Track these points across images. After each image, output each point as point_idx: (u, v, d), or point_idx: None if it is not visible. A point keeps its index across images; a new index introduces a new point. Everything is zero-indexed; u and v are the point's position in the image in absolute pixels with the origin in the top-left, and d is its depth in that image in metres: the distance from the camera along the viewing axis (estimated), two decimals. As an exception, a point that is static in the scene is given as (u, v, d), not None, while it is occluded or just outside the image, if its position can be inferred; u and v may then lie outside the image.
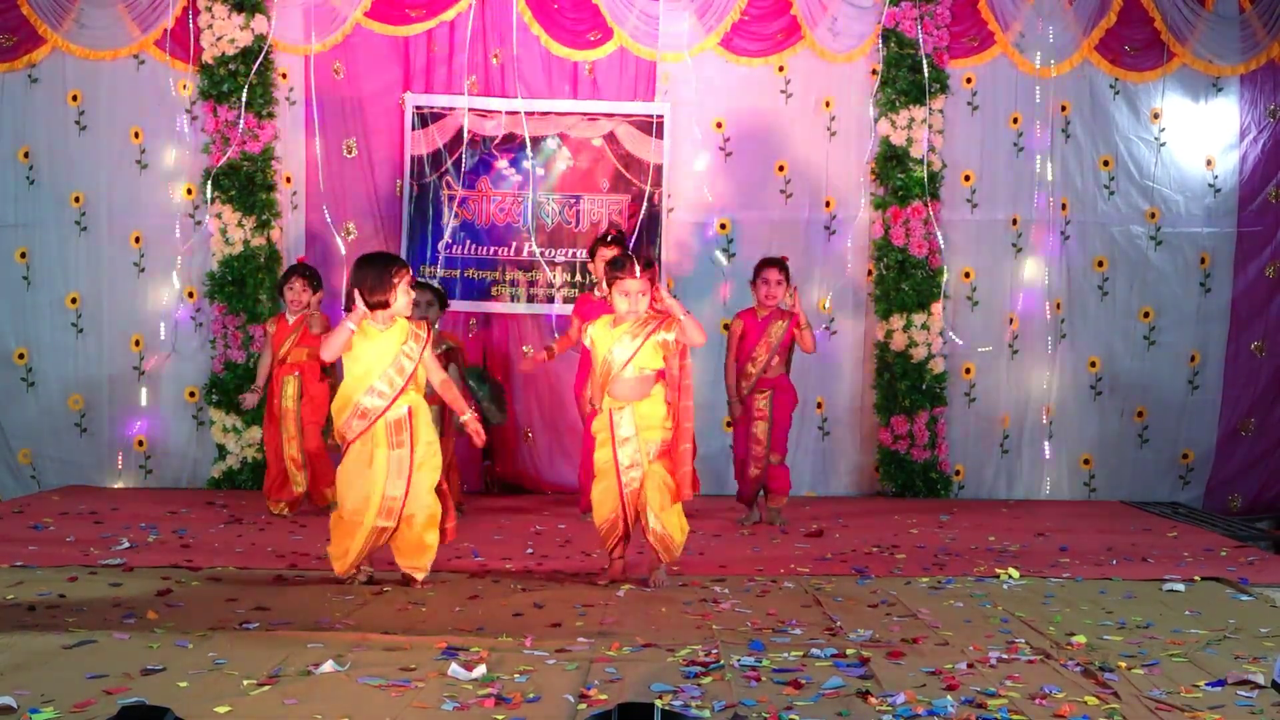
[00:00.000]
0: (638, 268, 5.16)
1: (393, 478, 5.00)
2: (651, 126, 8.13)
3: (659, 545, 5.15)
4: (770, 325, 6.85)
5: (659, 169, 8.13)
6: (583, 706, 3.42)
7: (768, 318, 6.87)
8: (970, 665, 3.89)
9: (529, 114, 8.10)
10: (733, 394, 6.90)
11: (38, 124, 8.07)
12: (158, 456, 8.16)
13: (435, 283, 7.46)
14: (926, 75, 8.00)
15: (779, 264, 6.94)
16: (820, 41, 8.13)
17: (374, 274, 5.06)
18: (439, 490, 5.17)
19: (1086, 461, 8.38)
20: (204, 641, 4.05)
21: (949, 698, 3.50)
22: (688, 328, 5.12)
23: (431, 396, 5.33)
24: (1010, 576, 5.43)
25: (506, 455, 8.25)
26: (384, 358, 5.04)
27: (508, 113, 8.11)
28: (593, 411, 5.39)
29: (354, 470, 5.05)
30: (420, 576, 5.12)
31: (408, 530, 5.05)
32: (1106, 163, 8.31)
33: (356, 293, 5.05)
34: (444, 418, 6.74)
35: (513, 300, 8.19)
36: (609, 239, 6.85)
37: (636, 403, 5.14)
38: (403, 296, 5.09)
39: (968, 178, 8.28)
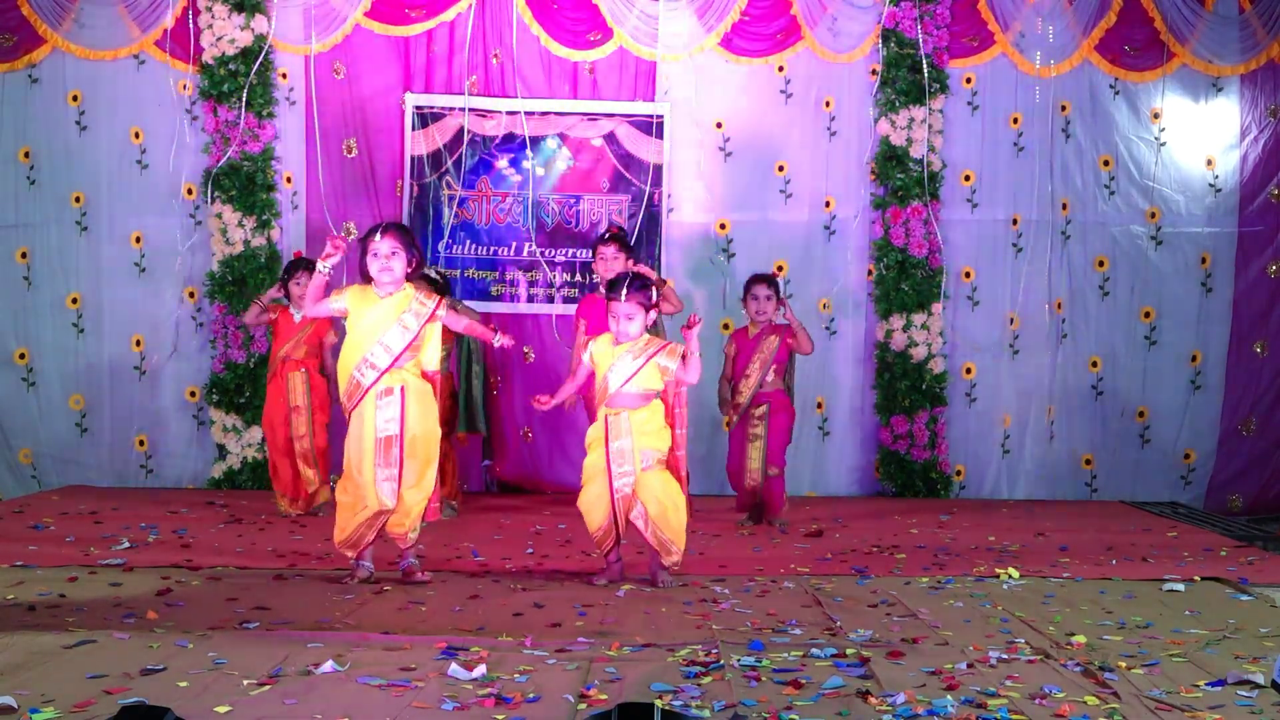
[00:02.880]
0: (625, 291, 5.14)
1: (382, 461, 5.02)
2: (651, 126, 8.13)
3: (659, 548, 5.15)
4: (762, 341, 6.85)
5: (659, 169, 8.13)
6: (583, 706, 3.42)
7: (759, 335, 6.87)
8: (970, 665, 3.89)
9: (529, 114, 8.11)
10: (724, 407, 6.99)
11: (38, 124, 8.07)
12: (158, 456, 8.16)
13: (434, 271, 7.46)
14: (926, 75, 8.00)
15: (768, 280, 6.96)
16: (820, 41, 8.13)
17: (360, 247, 5.18)
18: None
19: (1087, 462, 8.37)
20: (204, 641, 4.05)
21: (949, 698, 3.50)
22: (691, 365, 5.14)
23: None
24: (1010, 576, 5.43)
25: (506, 455, 8.25)
26: (381, 324, 5.06)
27: (508, 113, 8.11)
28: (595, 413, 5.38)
29: (352, 451, 5.09)
30: (403, 544, 5.18)
31: (398, 504, 5.09)
32: (1107, 162, 8.31)
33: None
34: (444, 419, 6.75)
35: (513, 300, 8.19)
36: (607, 236, 6.87)
37: (633, 410, 5.14)
38: (371, 262, 5.09)
39: (968, 178, 8.28)
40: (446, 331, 5.55)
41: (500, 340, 5.41)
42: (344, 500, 5.15)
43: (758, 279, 6.96)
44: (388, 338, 5.04)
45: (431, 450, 5.16)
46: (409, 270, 5.14)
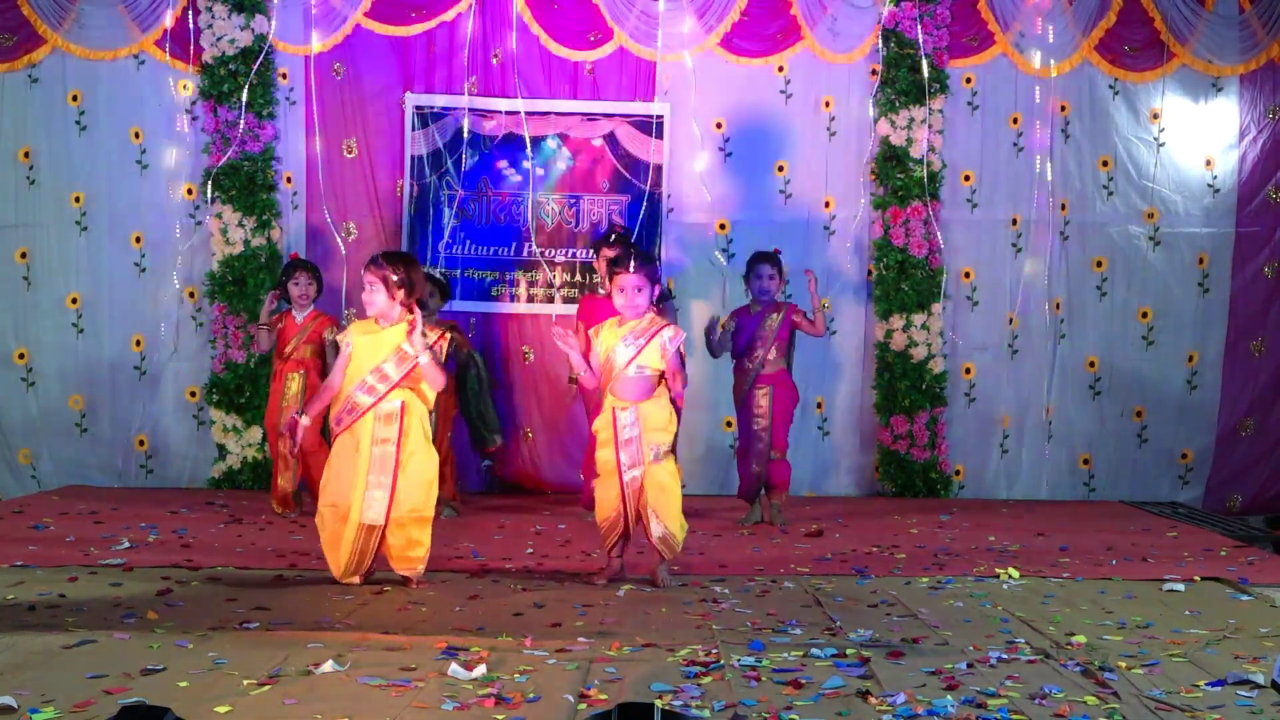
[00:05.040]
0: (633, 263, 5.19)
1: (377, 473, 4.98)
2: (651, 126, 8.14)
3: (661, 546, 5.17)
4: (764, 319, 6.87)
5: (659, 169, 8.13)
6: (583, 706, 3.42)
7: (761, 313, 6.89)
8: (970, 665, 3.89)
9: (529, 114, 8.10)
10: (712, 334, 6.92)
11: (38, 124, 8.06)
12: (158, 456, 8.16)
13: (438, 273, 7.46)
14: (926, 75, 8.00)
15: (771, 258, 6.97)
16: (820, 41, 8.13)
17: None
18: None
19: (1086, 461, 8.38)
20: (204, 641, 4.05)
21: (949, 698, 3.51)
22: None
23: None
24: (1010, 576, 5.43)
25: (506, 455, 8.24)
26: (379, 353, 5.05)
27: (508, 113, 8.11)
28: (595, 409, 5.39)
29: (339, 463, 5.06)
30: (414, 576, 5.11)
31: (398, 531, 5.03)
32: (1106, 163, 8.31)
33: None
34: (440, 418, 6.74)
35: (513, 300, 8.19)
36: (612, 239, 6.86)
37: (640, 403, 5.15)
38: (366, 295, 5.12)
39: (968, 178, 8.29)
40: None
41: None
42: (327, 532, 5.06)
43: (761, 258, 6.98)
44: (386, 365, 5.04)
45: (431, 471, 5.12)
46: (394, 299, 5.07)
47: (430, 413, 5.22)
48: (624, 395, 5.17)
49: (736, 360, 6.98)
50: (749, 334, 6.89)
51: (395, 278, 5.08)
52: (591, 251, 7.38)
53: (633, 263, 5.20)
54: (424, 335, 5.05)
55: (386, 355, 5.05)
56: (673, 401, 5.29)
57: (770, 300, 6.91)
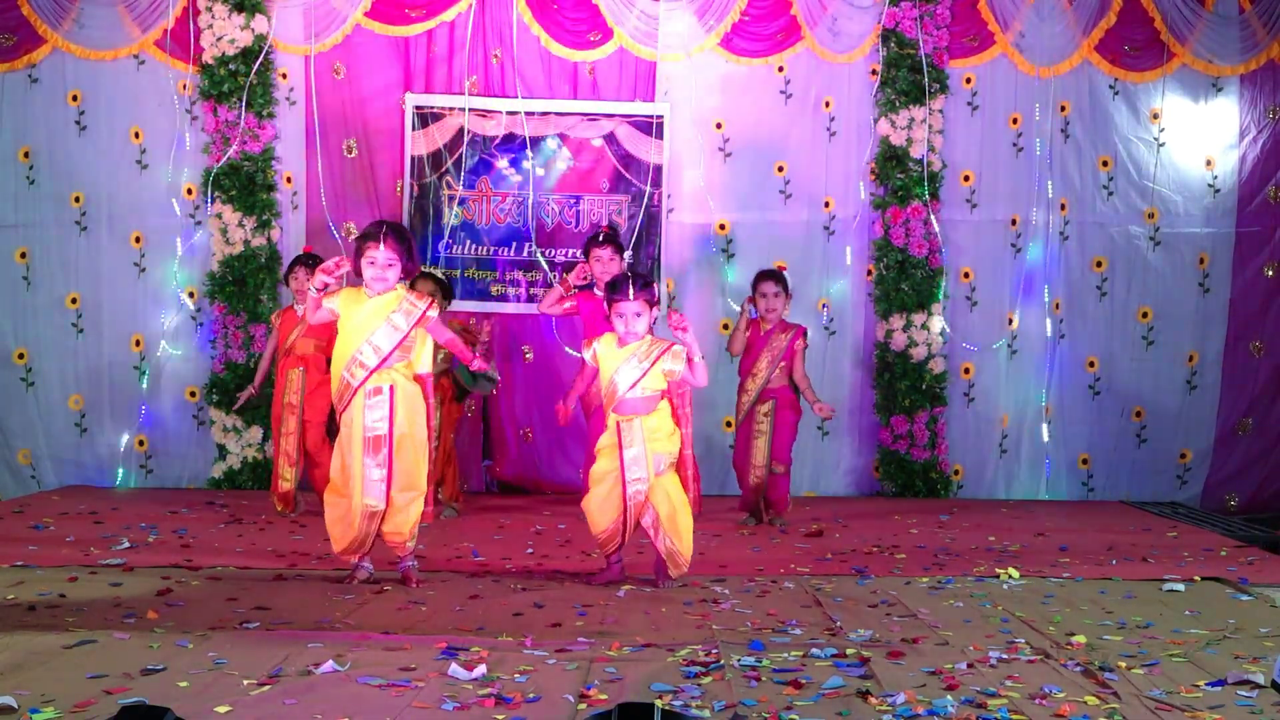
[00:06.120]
0: (632, 290, 5.11)
1: (371, 455, 4.98)
2: (651, 127, 8.13)
3: (668, 559, 5.14)
4: (772, 338, 6.87)
5: (659, 169, 8.13)
6: (583, 706, 3.42)
7: (770, 332, 6.88)
8: (970, 665, 3.89)
9: (529, 114, 8.11)
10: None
11: (38, 124, 8.07)
12: (158, 456, 8.16)
13: (439, 273, 7.46)
14: (926, 75, 8.00)
15: (775, 276, 6.96)
16: (820, 41, 8.13)
17: (356, 245, 5.15)
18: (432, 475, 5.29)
19: (1085, 461, 8.38)
20: (204, 641, 4.05)
21: (949, 698, 3.51)
22: (697, 369, 5.12)
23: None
24: (1010, 576, 5.43)
25: (506, 455, 8.25)
26: (370, 323, 5.01)
27: (508, 113, 8.11)
28: (597, 413, 5.36)
29: (343, 445, 5.07)
30: (402, 552, 5.13)
31: (396, 510, 5.05)
32: (1106, 163, 8.31)
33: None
34: (441, 414, 6.74)
35: (513, 300, 8.19)
36: (600, 238, 6.84)
37: (644, 416, 5.12)
38: (367, 269, 5.04)
39: (967, 178, 8.29)
40: None
41: (479, 365, 5.48)
42: (333, 510, 5.10)
43: (764, 276, 6.96)
44: (376, 337, 4.99)
45: (420, 452, 5.10)
46: (402, 279, 5.10)
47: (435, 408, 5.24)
48: (627, 412, 5.14)
49: (740, 377, 6.97)
50: (756, 352, 6.88)
51: (410, 255, 5.10)
52: (581, 254, 7.36)
53: (631, 289, 5.11)
54: (414, 304, 5.06)
55: (376, 327, 5.00)
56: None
57: (777, 318, 6.89)
